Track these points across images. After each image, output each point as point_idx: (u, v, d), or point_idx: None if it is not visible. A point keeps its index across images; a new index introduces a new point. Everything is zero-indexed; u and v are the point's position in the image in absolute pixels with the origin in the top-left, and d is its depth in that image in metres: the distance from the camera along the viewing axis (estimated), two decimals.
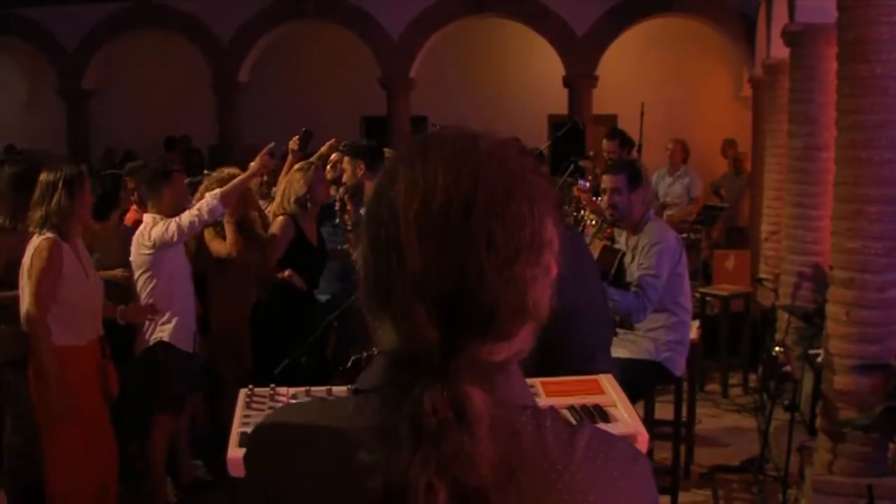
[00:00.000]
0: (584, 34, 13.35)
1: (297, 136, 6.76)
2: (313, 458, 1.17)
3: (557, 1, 13.32)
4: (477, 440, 1.06)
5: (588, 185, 7.29)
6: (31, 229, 4.80)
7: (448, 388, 1.07)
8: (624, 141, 9.19)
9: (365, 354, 3.54)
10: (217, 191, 5.60)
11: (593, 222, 6.70)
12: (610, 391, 3.03)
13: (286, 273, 5.94)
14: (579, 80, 13.43)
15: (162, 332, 5.57)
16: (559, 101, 13.65)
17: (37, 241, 4.69)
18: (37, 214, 4.72)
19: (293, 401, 3.13)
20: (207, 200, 5.48)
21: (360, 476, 1.07)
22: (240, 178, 5.80)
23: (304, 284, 6.06)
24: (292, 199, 6.10)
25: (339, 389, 3.21)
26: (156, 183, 5.67)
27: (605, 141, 9.31)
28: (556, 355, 3.40)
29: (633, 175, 5.56)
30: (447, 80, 15.37)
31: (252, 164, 5.94)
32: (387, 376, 1.14)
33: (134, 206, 6.74)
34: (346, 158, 6.81)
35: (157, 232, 5.47)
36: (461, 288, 1.09)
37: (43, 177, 4.78)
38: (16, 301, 4.96)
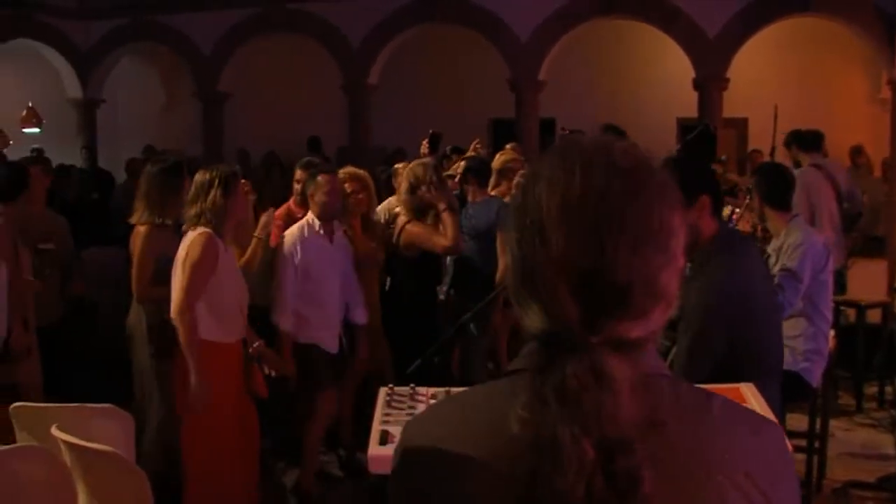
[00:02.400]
0: (715, 35, 13.12)
1: (426, 140, 6.87)
2: (470, 427, 1.30)
3: (688, 1, 13.12)
4: (617, 398, 1.18)
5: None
6: (185, 225, 4.97)
7: (588, 358, 1.20)
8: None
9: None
10: None
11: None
12: (751, 400, 3.00)
13: None
14: (710, 82, 13.21)
15: (309, 336, 5.69)
16: (689, 104, 13.45)
17: (192, 235, 4.82)
18: (192, 211, 4.87)
19: (433, 401, 3.18)
20: None
21: (514, 430, 1.20)
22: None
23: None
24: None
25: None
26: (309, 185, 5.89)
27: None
28: (749, 359, 3.38)
29: (762, 181, 5.51)
30: (576, 82, 15.30)
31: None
32: (534, 355, 1.27)
33: (292, 200, 6.70)
34: None
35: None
36: (598, 266, 1.22)
37: (199, 175, 4.95)
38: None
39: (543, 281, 1.24)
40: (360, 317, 6.07)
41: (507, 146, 8.51)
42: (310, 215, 5.79)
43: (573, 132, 9.91)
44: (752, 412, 1.32)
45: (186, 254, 4.79)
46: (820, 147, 8.67)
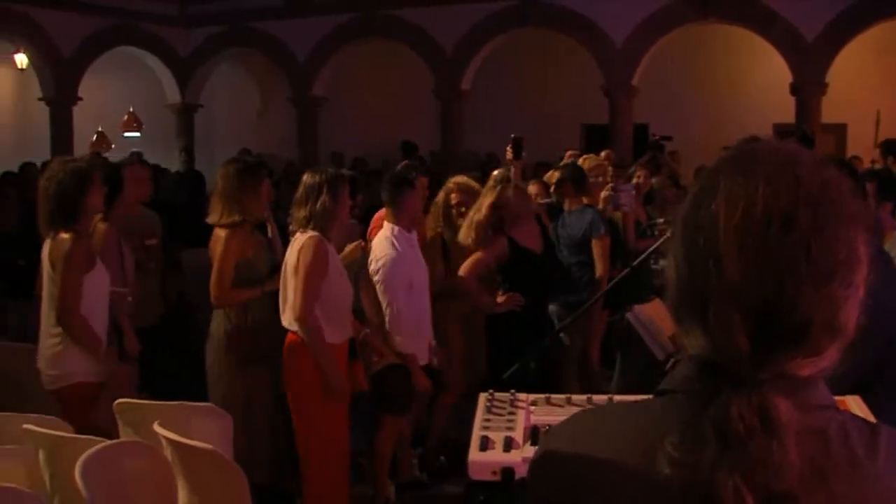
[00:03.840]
0: (813, 39, 12.86)
1: (509, 146, 6.85)
2: (616, 449, 1.21)
3: (785, 4, 12.89)
4: (784, 448, 1.08)
5: None
6: (292, 227, 5.03)
7: (755, 397, 1.10)
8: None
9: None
10: None
11: None
12: (857, 413, 2.93)
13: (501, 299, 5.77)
14: (808, 86, 12.96)
15: (400, 356, 5.58)
16: (786, 109, 13.20)
17: (302, 239, 4.85)
18: (300, 214, 4.89)
19: (533, 407, 3.18)
20: None
21: (664, 467, 1.12)
22: None
23: (521, 300, 5.75)
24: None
25: (578, 398, 3.24)
26: (398, 190, 5.61)
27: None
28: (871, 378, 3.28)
29: (885, 184, 5.28)
30: (670, 88, 15.10)
31: None
32: (694, 379, 1.18)
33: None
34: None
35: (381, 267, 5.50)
36: (777, 301, 1.11)
37: (307, 178, 4.98)
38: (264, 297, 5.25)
39: (714, 308, 1.13)
40: None
41: (602, 153, 8.46)
42: (395, 226, 5.55)
43: (664, 138, 9.81)
44: None
45: (298, 259, 4.82)
46: None
